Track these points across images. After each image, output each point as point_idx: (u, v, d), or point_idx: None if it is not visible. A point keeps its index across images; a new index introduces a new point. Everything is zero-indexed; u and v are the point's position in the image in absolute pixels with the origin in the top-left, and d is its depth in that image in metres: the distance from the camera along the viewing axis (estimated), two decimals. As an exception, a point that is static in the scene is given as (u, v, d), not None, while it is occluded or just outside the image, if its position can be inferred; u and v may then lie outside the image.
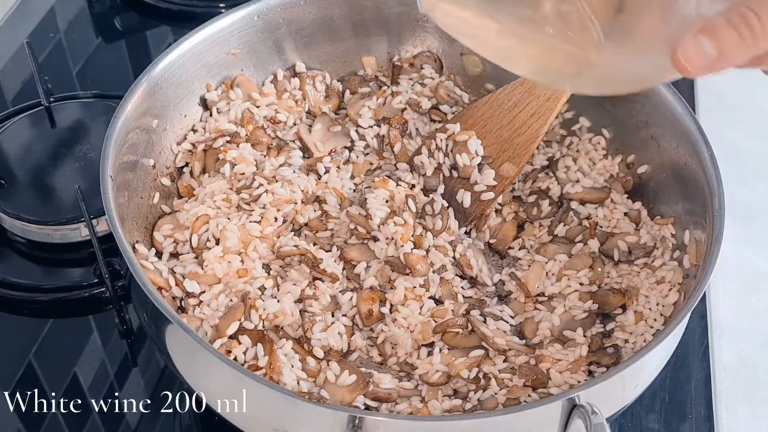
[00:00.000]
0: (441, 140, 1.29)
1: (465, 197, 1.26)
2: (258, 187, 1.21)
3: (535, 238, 1.29)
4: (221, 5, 1.72)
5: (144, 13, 1.80)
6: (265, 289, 1.15)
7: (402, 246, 1.18)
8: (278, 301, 1.13)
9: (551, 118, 1.26)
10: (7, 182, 1.40)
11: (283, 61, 1.40)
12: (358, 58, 1.44)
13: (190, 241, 1.18)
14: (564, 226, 1.27)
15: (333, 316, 1.17)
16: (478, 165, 1.27)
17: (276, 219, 1.21)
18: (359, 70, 1.44)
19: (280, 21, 1.36)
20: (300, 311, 1.14)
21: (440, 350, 1.13)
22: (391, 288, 1.18)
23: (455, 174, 1.28)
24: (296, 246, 1.18)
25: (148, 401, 1.22)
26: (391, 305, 1.18)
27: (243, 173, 1.24)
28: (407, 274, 1.18)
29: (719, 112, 1.68)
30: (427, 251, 1.20)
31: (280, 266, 1.19)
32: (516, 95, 1.28)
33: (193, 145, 1.29)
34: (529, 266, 1.24)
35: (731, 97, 1.72)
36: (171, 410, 1.21)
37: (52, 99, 1.52)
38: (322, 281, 1.17)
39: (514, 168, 1.27)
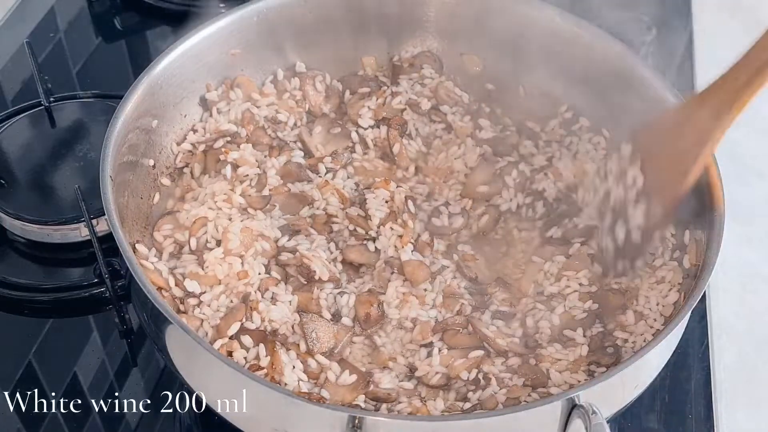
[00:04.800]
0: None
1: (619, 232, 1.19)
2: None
3: (526, 245, 1.28)
4: (221, 5, 1.72)
5: (144, 13, 1.80)
6: (266, 290, 1.16)
7: (402, 249, 1.18)
8: (276, 304, 1.13)
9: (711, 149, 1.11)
10: (7, 182, 1.40)
11: (283, 62, 1.40)
12: (358, 58, 1.44)
13: (189, 244, 1.18)
14: (558, 228, 1.27)
15: (333, 318, 1.16)
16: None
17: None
18: (359, 70, 1.44)
19: (279, 21, 1.36)
20: (300, 318, 1.14)
21: (440, 350, 1.13)
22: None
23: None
24: (294, 253, 1.18)
25: (148, 401, 1.22)
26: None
27: (247, 175, 1.24)
28: (406, 281, 1.18)
29: (719, 112, 1.68)
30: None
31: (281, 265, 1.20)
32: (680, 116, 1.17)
33: (193, 145, 1.29)
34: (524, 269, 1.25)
35: (731, 97, 1.71)
36: (171, 410, 1.21)
37: (52, 99, 1.52)
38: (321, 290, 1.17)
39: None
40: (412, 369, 1.13)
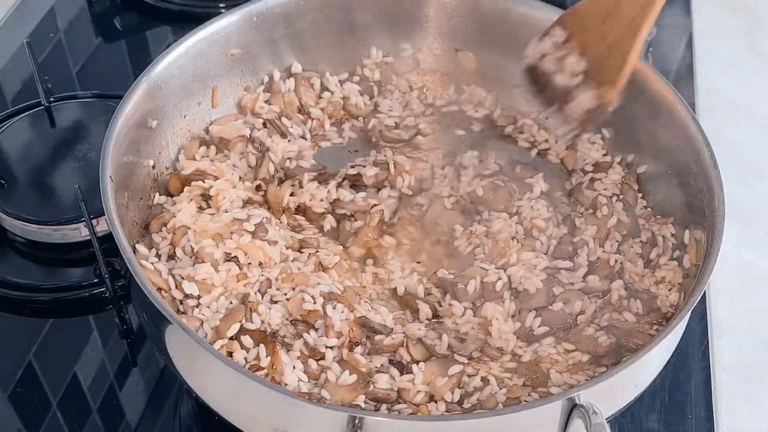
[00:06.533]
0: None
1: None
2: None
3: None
4: (221, 5, 1.73)
5: (144, 13, 1.80)
6: (269, 288, 1.16)
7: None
8: (272, 306, 1.14)
9: (639, 42, 1.13)
10: (7, 182, 1.40)
11: (282, 62, 1.40)
12: (358, 58, 1.45)
13: (175, 252, 1.18)
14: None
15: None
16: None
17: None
18: (359, 70, 1.44)
19: (279, 21, 1.36)
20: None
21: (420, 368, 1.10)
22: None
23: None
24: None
25: (148, 401, 1.22)
26: None
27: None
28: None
29: (719, 112, 1.68)
30: None
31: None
32: (604, 5, 1.17)
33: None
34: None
35: (731, 97, 1.72)
36: (171, 410, 1.21)
37: (52, 99, 1.52)
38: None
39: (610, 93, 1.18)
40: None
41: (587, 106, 1.19)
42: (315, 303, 1.12)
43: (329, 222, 1.27)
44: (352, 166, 1.31)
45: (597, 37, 1.17)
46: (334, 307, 1.12)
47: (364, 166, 1.31)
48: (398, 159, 1.32)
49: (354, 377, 1.07)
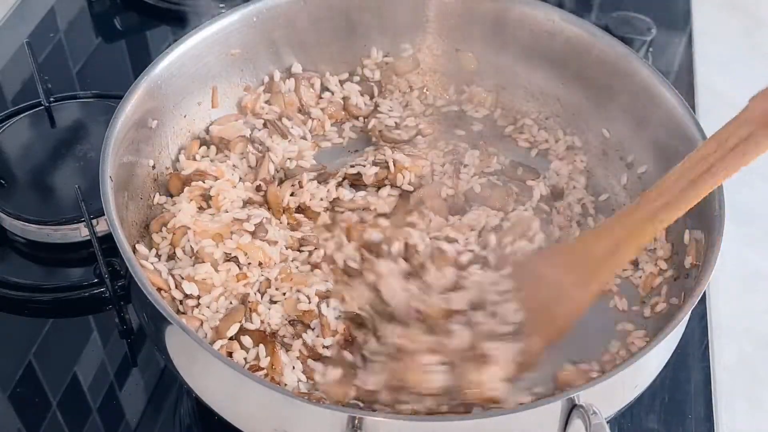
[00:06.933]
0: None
1: None
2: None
3: None
4: (221, 5, 1.72)
5: (144, 13, 1.80)
6: (268, 288, 1.16)
7: None
8: (272, 306, 1.14)
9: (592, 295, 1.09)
10: (7, 182, 1.40)
11: (282, 62, 1.40)
12: (358, 58, 1.45)
13: (175, 253, 1.18)
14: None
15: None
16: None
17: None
18: (359, 70, 1.44)
19: (279, 22, 1.36)
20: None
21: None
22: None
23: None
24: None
25: (148, 401, 1.22)
26: None
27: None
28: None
29: (719, 112, 1.67)
30: None
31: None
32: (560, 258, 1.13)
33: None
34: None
35: (731, 97, 1.71)
36: (171, 410, 1.21)
37: (52, 99, 1.52)
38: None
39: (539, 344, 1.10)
40: None
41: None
42: (310, 303, 1.13)
43: (323, 219, 1.27)
44: (352, 165, 1.32)
45: (546, 298, 1.11)
46: (327, 305, 1.12)
47: (364, 165, 1.31)
48: (397, 157, 1.32)
49: (339, 370, 1.07)
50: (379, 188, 1.31)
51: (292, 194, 1.27)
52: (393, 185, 1.31)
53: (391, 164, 1.31)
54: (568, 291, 1.09)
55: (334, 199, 1.27)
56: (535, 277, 1.12)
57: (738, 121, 1.02)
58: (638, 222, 1.06)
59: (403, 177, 1.31)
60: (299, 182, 1.27)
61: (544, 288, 1.11)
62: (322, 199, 1.27)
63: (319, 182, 1.29)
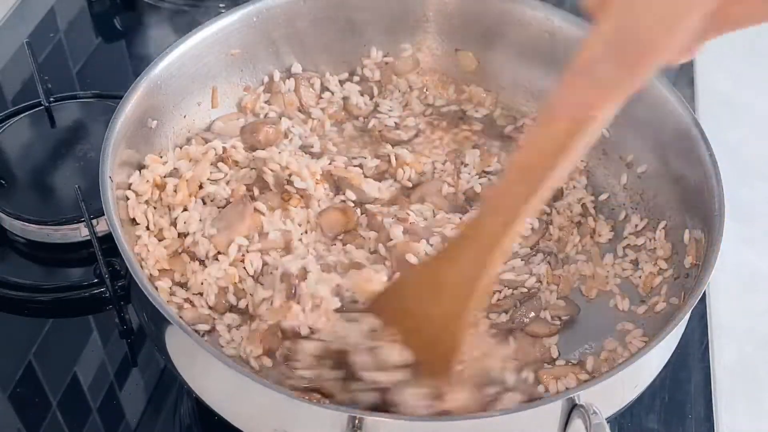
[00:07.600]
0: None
1: None
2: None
3: None
4: (221, 5, 1.73)
5: (144, 13, 1.80)
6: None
7: None
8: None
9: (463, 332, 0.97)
10: (7, 182, 1.40)
11: (282, 62, 1.40)
12: (358, 58, 1.45)
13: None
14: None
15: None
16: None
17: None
18: (359, 70, 1.44)
19: (279, 22, 1.36)
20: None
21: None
22: None
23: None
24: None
25: (148, 401, 1.22)
26: None
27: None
28: None
29: (719, 112, 1.68)
30: None
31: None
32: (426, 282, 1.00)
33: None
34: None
35: (731, 97, 1.72)
36: (171, 410, 1.21)
37: (52, 99, 1.52)
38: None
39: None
40: None
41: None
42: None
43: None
44: (354, 158, 1.32)
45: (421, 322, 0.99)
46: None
47: (366, 158, 1.32)
48: (399, 152, 1.33)
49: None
50: (379, 181, 1.31)
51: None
52: (394, 179, 1.31)
53: (392, 158, 1.31)
54: (442, 325, 0.98)
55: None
56: (403, 313, 1.01)
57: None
58: (490, 230, 0.92)
59: (404, 172, 1.31)
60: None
61: (417, 324, 0.99)
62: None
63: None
